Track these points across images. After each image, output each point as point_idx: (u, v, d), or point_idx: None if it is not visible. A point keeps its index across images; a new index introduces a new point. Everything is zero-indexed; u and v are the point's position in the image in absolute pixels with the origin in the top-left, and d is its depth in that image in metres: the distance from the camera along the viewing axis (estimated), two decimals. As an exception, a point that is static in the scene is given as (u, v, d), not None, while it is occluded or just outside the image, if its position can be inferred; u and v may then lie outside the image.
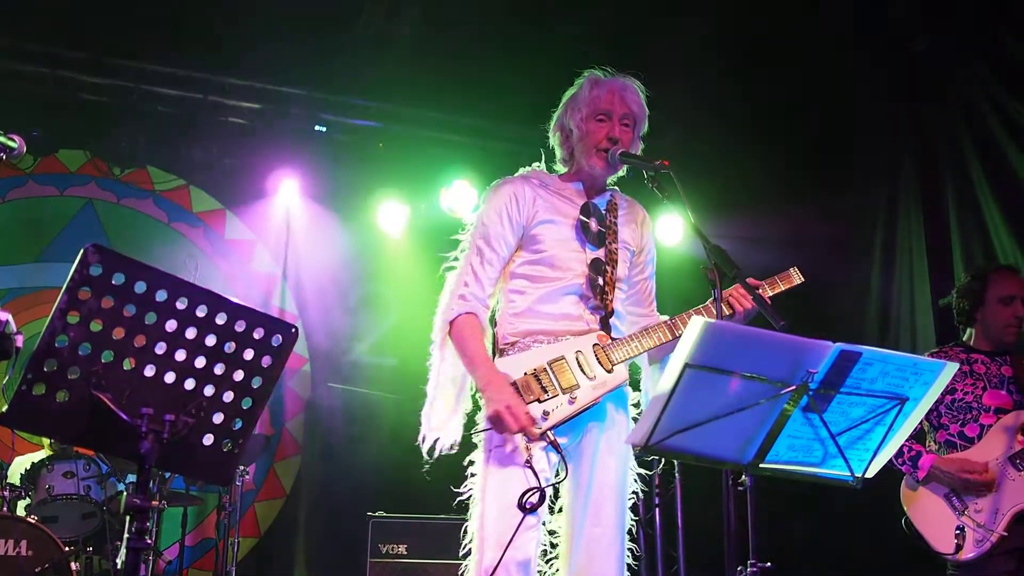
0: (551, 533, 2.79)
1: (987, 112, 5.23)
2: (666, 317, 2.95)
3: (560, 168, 3.05)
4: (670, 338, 2.79)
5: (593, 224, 2.90)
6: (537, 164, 3.08)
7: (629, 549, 2.81)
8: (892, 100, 5.83)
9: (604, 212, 2.96)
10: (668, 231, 6.76)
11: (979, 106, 5.29)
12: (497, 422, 2.64)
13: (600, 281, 2.83)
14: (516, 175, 3.04)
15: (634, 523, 2.85)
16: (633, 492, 2.88)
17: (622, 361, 2.77)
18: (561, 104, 3.03)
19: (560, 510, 2.80)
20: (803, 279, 2.97)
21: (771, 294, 2.87)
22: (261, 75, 6.40)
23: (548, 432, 2.66)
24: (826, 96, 5.86)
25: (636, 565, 2.85)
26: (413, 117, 6.77)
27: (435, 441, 2.84)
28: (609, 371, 2.75)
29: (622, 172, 3.02)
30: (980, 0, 5.18)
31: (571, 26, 5.53)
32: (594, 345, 2.77)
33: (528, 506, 2.59)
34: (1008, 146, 5.09)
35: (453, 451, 2.86)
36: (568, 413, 2.69)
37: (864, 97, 5.85)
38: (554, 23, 5.58)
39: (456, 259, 2.99)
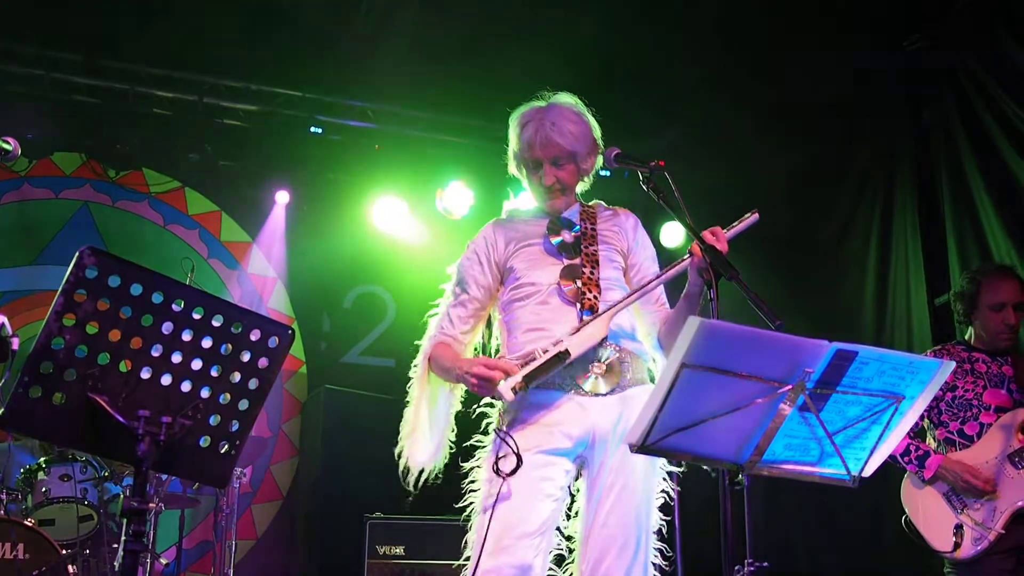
0: (568, 539, 2.82)
1: (983, 112, 5.24)
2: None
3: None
4: (634, 300, 2.82)
5: (566, 236, 2.98)
6: (507, 203, 3.18)
7: (659, 550, 2.83)
8: (888, 99, 5.84)
9: (578, 221, 3.03)
10: (668, 233, 6.78)
11: (975, 106, 5.30)
12: (477, 386, 2.71)
13: (578, 284, 2.87)
14: (491, 221, 3.15)
15: (664, 523, 2.86)
16: (663, 492, 2.89)
17: (575, 332, 2.74)
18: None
19: (576, 515, 2.83)
20: (756, 215, 2.81)
21: (729, 235, 2.73)
22: (256, 77, 6.40)
23: (516, 385, 2.64)
24: (822, 95, 5.87)
25: (668, 567, 2.86)
26: (409, 118, 6.78)
27: (420, 473, 2.96)
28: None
29: (588, 182, 3.07)
30: (978, 0, 5.19)
31: (568, 26, 5.54)
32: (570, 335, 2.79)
33: (502, 471, 2.64)
34: (1004, 146, 5.10)
35: (438, 480, 2.96)
36: (530, 368, 2.67)
37: (860, 96, 5.86)
38: (551, 22, 5.58)
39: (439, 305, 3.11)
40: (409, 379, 3.06)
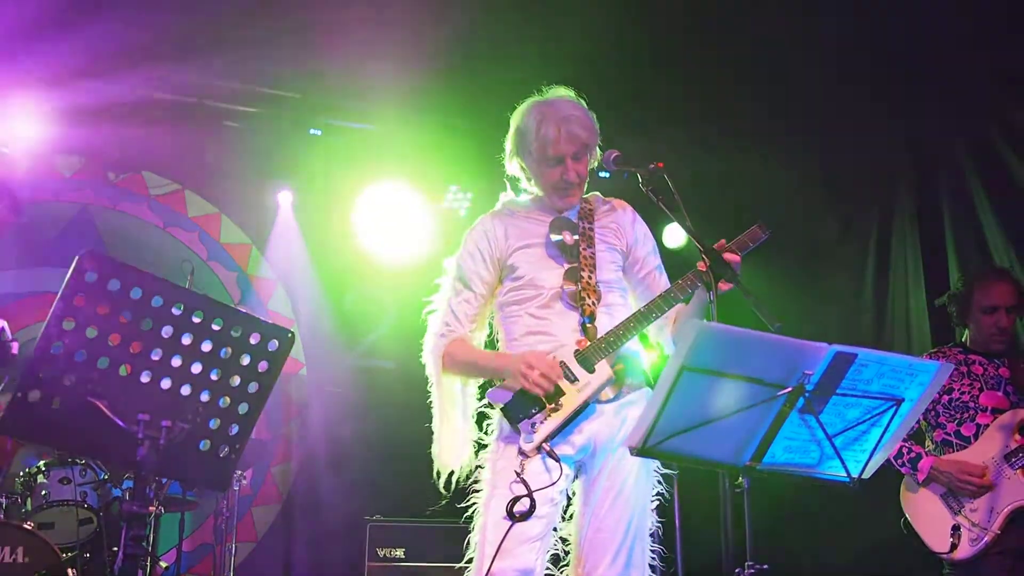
0: (563, 540, 2.83)
1: (982, 114, 5.25)
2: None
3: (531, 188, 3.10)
4: (642, 326, 2.80)
5: (567, 237, 2.94)
6: (504, 194, 3.15)
7: (659, 552, 2.84)
8: (889, 102, 5.84)
9: (577, 221, 3.00)
10: (670, 235, 6.77)
11: (975, 108, 5.30)
12: (527, 382, 2.69)
13: (576, 288, 2.86)
14: (487, 213, 3.10)
15: (665, 526, 2.87)
16: (658, 494, 2.90)
17: (601, 359, 2.77)
18: (509, 135, 3.04)
19: (571, 517, 2.84)
20: (767, 234, 2.85)
21: (742, 254, 2.77)
22: (256, 79, 6.40)
23: (543, 444, 2.70)
24: (823, 98, 5.87)
25: (669, 570, 2.87)
26: (408, 120, 6.77)
27: (450, 474, 2.92)
28: (591, 372, 2.76)
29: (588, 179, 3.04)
30: (977, 3, 5.19)
31: (567, 27, 5.54)
32: (575, 352, 2.79)
33: (516, 514, 2.64)
34: (1003, 148, 5.11)
35: (469, 481, 2.91)
36: (557, 422, 2.72)
37: (861, 99, 5.86)
38: (550, 24, 5.58)
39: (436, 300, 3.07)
40: (409, 381, 3.05)
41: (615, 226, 3.05)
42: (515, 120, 3.02)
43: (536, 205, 3.06)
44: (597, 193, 3.15)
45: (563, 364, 2.77)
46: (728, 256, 2.70)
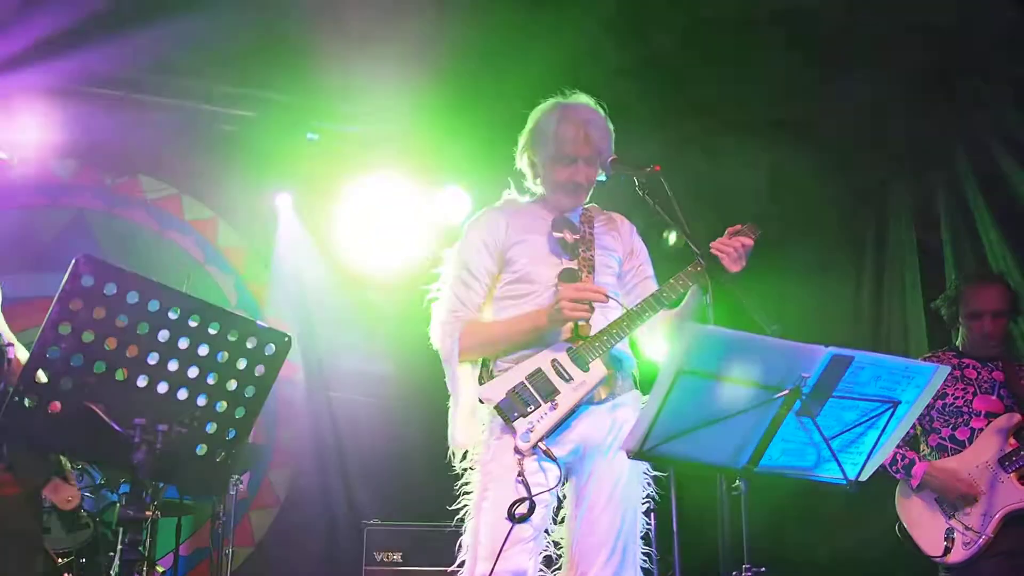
0: (555, 544, 2.83)
1: (980, 117, 5.26)
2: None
3: (535, 187, 3.12)
4: (635, 326, 2.83)
5: (567, 236, 2.97)
6: (508, 192, 3.16)
7: (645, 554, 2.85)
8: (885, 104, 5.85)
9: (578, 223, 3.03)
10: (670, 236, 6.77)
11: (970, 109, 5.31)
12: (573, 310, 2.71)
13: None
14: (490, 207, 3.12)
15: (656, 527, 2.87)
16: (648, 496, 2.91)
17: (596, 359, 2.79)
18: (526, 131, 3.06)
19: (562, 520, 2.85)
20: (757, 233, 2.87)
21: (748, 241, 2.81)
22: (253, 83, 6.40)
23: (539, 443, 2.70)
24: (820, 99, 5.87)
25: (662, 570, 2.87)
26: (406, 123, 6.77)
27: (464, 453, 2.91)
28: (586, 371, 2.77)
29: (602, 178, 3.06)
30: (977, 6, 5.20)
31: (566, 30, 5.54)
32: (568, 349, 2.80)
33: (517, 516, 2.64)
34: (999, 149, 5.12)
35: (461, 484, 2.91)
36: (553, 420, 2.73)
37: (857, 100, 5.87)
38: (549, 27, 5.59)
39: (439, 290, 3.07)
40: (406, 385, 3.06)
41: (614, 233, 3.10)
42: (534, 116, 3.06)
43: (539, 204, 3.10)
44: (595, 204, 3.18)
45: (556, 362, 2.78)
46: (742, 239, 2.75)
